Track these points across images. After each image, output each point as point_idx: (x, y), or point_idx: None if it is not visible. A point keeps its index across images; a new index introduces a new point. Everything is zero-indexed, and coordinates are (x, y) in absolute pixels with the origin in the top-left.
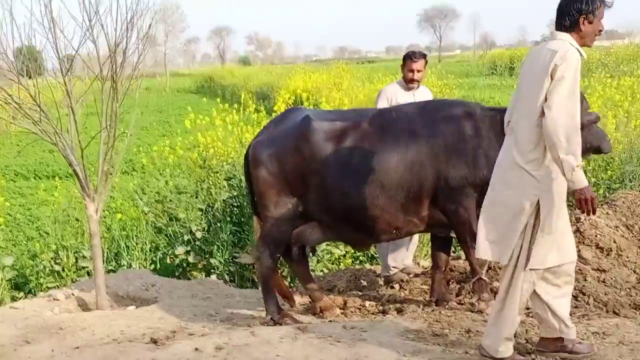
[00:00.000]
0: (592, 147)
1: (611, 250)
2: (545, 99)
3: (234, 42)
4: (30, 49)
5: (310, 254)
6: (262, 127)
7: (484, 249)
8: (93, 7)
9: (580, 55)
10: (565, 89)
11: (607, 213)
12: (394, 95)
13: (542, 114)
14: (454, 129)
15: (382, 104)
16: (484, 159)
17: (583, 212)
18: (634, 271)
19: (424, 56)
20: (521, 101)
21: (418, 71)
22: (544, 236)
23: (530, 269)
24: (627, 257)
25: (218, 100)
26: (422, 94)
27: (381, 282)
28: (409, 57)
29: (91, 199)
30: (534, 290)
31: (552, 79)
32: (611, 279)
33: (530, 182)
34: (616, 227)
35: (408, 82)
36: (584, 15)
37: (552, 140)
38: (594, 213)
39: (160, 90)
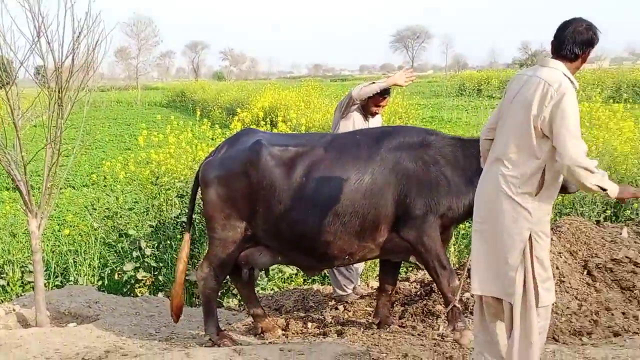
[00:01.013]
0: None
1: (554, 277)
2: (540, 136)
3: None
4: None
5: (263, 274)
6: (216, 147)
7: (482, 285)
8: (39, 21)
9: (572, 83)
10: (572, 126)
11: (552, 239)
12: (353, 116)
13: (535, 150)
14: (415, 156)
15: (337, 117)
16: (446, 186)
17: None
18: (576, 297)
19: (389, 92)
20: (511, 134)
21: (383, 106)
22: (544, 270)
23: (542, 306)
24: (569, 284)
25: (179, 114)
26: (376, 121)
27: (328, 303)
28: (380, 93)
29: (33, 214)
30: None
31: (547, 117)
32: (552, 305)
33: (523, 214)
34: (560, 253)
35: (368, 113)
36: (591, 49)
37: (578, 179)
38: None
39: (131, 103)
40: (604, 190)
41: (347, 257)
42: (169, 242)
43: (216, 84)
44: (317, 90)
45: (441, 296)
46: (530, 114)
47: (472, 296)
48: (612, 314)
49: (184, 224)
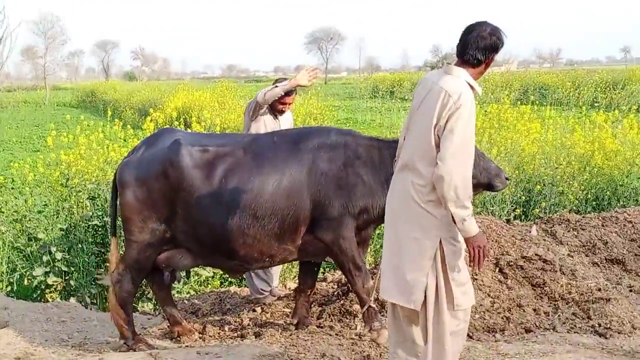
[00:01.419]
0: (482, 183)
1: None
2: (438, 145)
3: (120, 56)
4: None
5: (185, 278)
6: (130, 146)
7: (389, 291)
8: None
9: (474, 90)
10: (457, 139)
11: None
12: (262, 118)
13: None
14: (331, 157)
15: (247, 120)
16: (362, 188)
17: (473, 260)
18: (488, 295)
19: (296, 92)
20: (416, 142)
21: (289, 104)
22: (457, 274)
23: (460, 309)
24: (482, 282)
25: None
26: (286, 117)
27: (245, 305)
28: (286, 94)
29: None
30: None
31: (443, 126)
32: None
33: (432, 221)
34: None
35: (277, 111)
36: (494, 54)
37: (441, 193)
38: (482, 262)
39: (39, 104)
40: (464, 221)
41: (267, 259)
42: (80, 245)
43: (127, 84)
44: (232, 91)
45: (357, 297)
46: (431, 123)
47: None
48: (524, 311)
49: (96, 226)
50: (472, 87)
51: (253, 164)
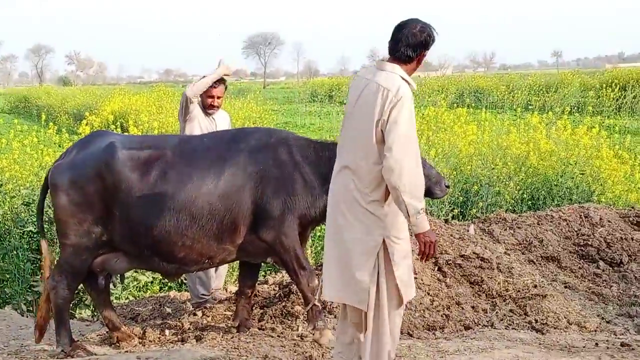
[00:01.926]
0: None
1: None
2: (382, 141)
3: (54, 61)
4: None
5: (119, 282)
6: (64, 150)
7: (334, 292)
8: None
9: (410, 85)
10: (403, 130)
11: (413, 250)
12: (196, 116)
13: (381, 155)
14: (269, 157)
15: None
16: (303, 186)
17: (423, 255)
18: (428, 293)
19: (224, 82)
20: (355, 140)
21: (218, 97)
22: (401, 273)
23: (401, 308)
24: (422, 280)
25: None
26: (222, 117)
27: (186, 309)
28: (212, 84)
29: None
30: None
31: (386, 119)
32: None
33: (375, 221)
34: (412, 250)
35: (207, 108)
36: (425, 51)
37: (394, 184)
38: (433, 256)
39: None
40: (417, 214)
41: (207, 260)
42: (15, 252)
43: (62, 89)
44: (169, 96)
45: (301, 297)
46: (372, 120)
47: None
48: (463, 308)
49: (31, 233)
50: (407, 82)
51: (190, 164)
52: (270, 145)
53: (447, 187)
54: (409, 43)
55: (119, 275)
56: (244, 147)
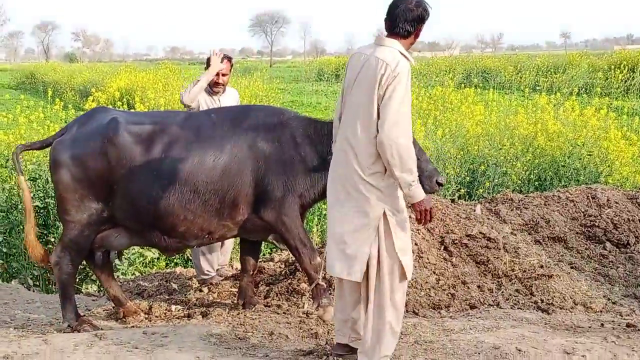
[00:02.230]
0: None
1: (412, 252)
2: (379, 116)
3: (60, 38)
4: None
5: (116, 258)
6: (64, 126)
7: (335, 266)
8: None
9: (408, 60)
10: (396, 106)
11: (410, 216)
12: (200, 97)
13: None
14: (273, 137)
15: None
16: (303, 166)
17: (420, 222)
18: (434, 272)
19: (230, 59)
20: (356, 114)
21: (223, 75)
22: (402, 244)
23: (404, 281)
24: (428, 259)
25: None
26: (229, 96)
27: (192, 285)
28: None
29: None
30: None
31: (382, 94)
32: (412, 280)
33: (375, 194)
34: (417, 230)
35: (212, 87)
36: (422, 25)
37: (386, 158)
38: (431, 222)
39: None
40: (409, 186)
41: (207, 235)
42: (21, 227)
43: (68, 65)
44: (176, 73)
45: (305, 275)
46: (372, 94)
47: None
48: (468, 288)
49: (37, 208)
50: (405, 57)
51: (193, 140)
52: (274, 125)
53: (440, 184)
54: (407, 18)
55: (116, 252)
56: (249, 125)
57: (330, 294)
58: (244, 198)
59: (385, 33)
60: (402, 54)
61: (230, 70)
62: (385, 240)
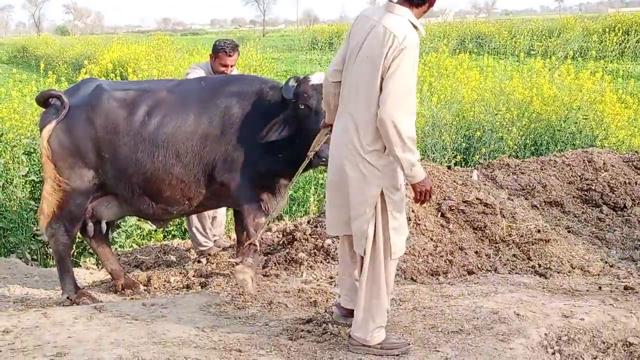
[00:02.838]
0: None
1: (410, 220)
2: (381, 90)
3: (51, 11)
4: None
5: (110, 231)
6: None
7: (334, 228)
8: None
9: (417, 30)
10: (400, 81)
11: (406, 184)
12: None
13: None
14: (244, 104)
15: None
16: (264, 134)
17: (419, 201)
18: (431, 239)
19: (237, 47)
20: (358, 87)
21: (231, 66)
22: (396, 224)
23: (394, 259)
24: (425, 226)
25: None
26: None
27: (190, 257)
28: (223, 50)
29: None
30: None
31: (387, 67)
32: (410, 247)
33: (373, 172)
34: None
35: (218, 74)
36: None
37: (387, 137)
38: (429, 201)
39: None
40: (412, 166)
41: (187, 202)
42: (18, 201)
43: (60, 38)
44: (169, 44)
45: (304, 243)
46: (377, 67)
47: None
48: (466, 254)
49: (33, 182)
50: (415, 27)
51: (175, 105)
52: (251, 94)
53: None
54: None
55: (106, 222)
56: (228, 92)
57: (258, 263)
58: (216, 163)
59: None
60: (412, 24)
61: (236, 61)
62: (382, 219)
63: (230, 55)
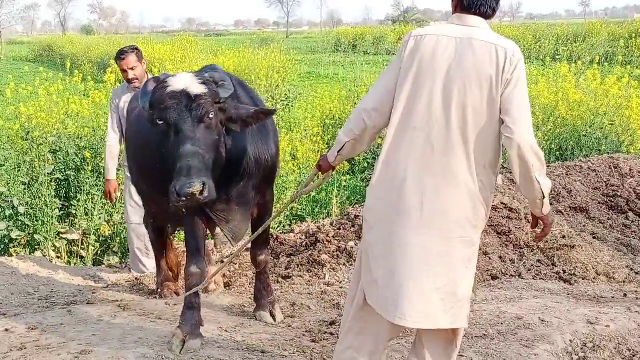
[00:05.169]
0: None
1: None
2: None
3: (77, 10)
4: None
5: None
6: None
7: (428, 317)
8: None
9: None
10: (525, 97)
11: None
12: (121, 98)
13: (493, 123)
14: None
15: (112, 110)
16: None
17: (540, 238)
18: None
19: (134, 50)
20: (466, 115)
21: (131, 68)
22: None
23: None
24: None
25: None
26: None
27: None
28: (117, 57)
29: None
30: None
31: (507, 84)
32: None
33: (483, 212)
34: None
35: (129, 83)
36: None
37: (525, 163)
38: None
39: None
40: (548, 194)
41: None
42: (43, 199)
43: (86, 37)
44: (193, 45)
45: (327, 245)
46: (490, 86)
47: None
48: (490, 258)
49: (59, 180)
50: None
51: None
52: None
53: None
54: None
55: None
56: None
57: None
58: None
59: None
60: None
61: (140, 62)
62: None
63: (122, 59)
